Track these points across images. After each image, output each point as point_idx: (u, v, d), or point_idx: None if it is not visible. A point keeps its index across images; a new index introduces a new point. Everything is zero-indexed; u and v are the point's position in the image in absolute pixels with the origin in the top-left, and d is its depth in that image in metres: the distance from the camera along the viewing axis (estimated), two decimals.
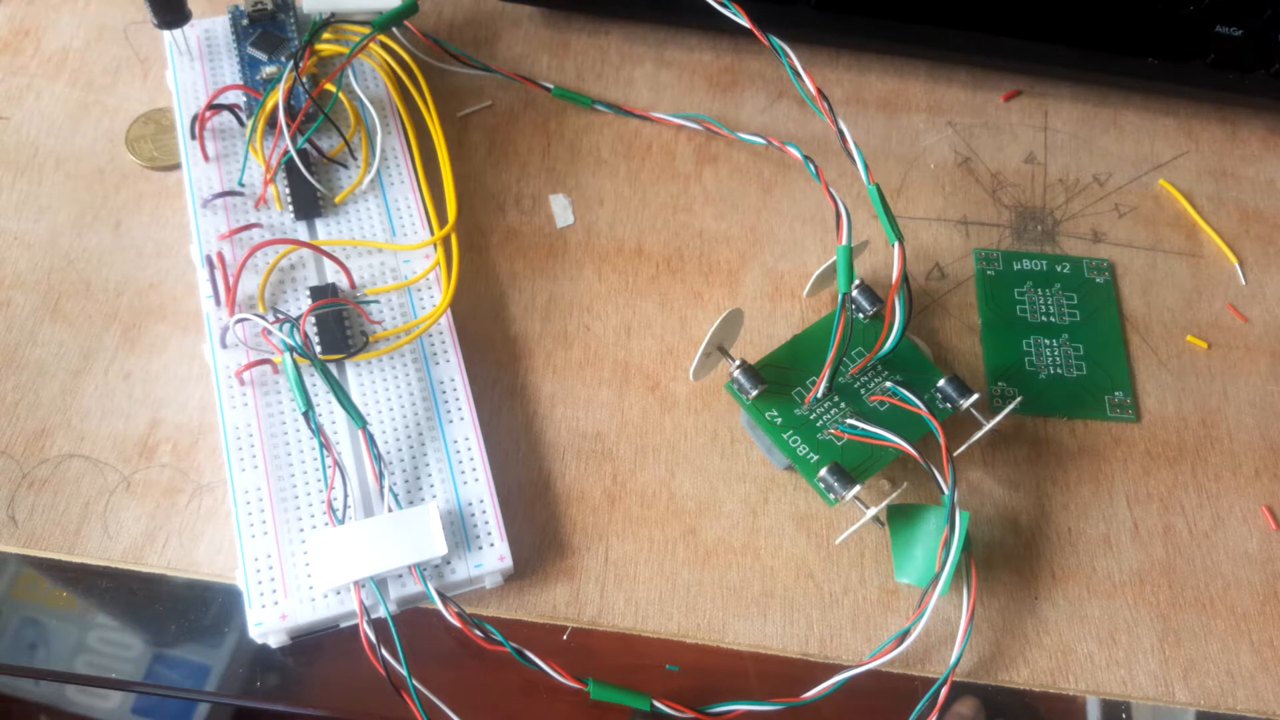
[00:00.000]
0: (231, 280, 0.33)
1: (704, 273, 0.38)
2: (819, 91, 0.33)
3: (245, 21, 0.39)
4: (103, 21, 0.41)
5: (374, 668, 0.29)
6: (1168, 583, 0.33)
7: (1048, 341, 0.37)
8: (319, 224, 0.36)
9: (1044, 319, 0.37)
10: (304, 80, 0.35)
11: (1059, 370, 0.36)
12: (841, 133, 0.33)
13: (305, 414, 0.30)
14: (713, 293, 0.37)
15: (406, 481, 0.32)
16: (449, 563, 0.31)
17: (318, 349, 0.33)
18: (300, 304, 0.34)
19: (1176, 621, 0.33)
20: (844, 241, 0.30)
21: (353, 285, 0.34)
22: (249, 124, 0.36)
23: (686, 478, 0.34)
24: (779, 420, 0.33)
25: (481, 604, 0.32)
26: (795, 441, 0.32)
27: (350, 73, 0.38)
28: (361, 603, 0.29)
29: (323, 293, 0.34)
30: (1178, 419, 0.36)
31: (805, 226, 0.39)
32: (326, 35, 0.37)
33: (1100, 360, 0.37)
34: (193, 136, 0.36)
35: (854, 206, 0.39)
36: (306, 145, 0.36)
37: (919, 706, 0.31)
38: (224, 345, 0.33)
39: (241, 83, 0.38)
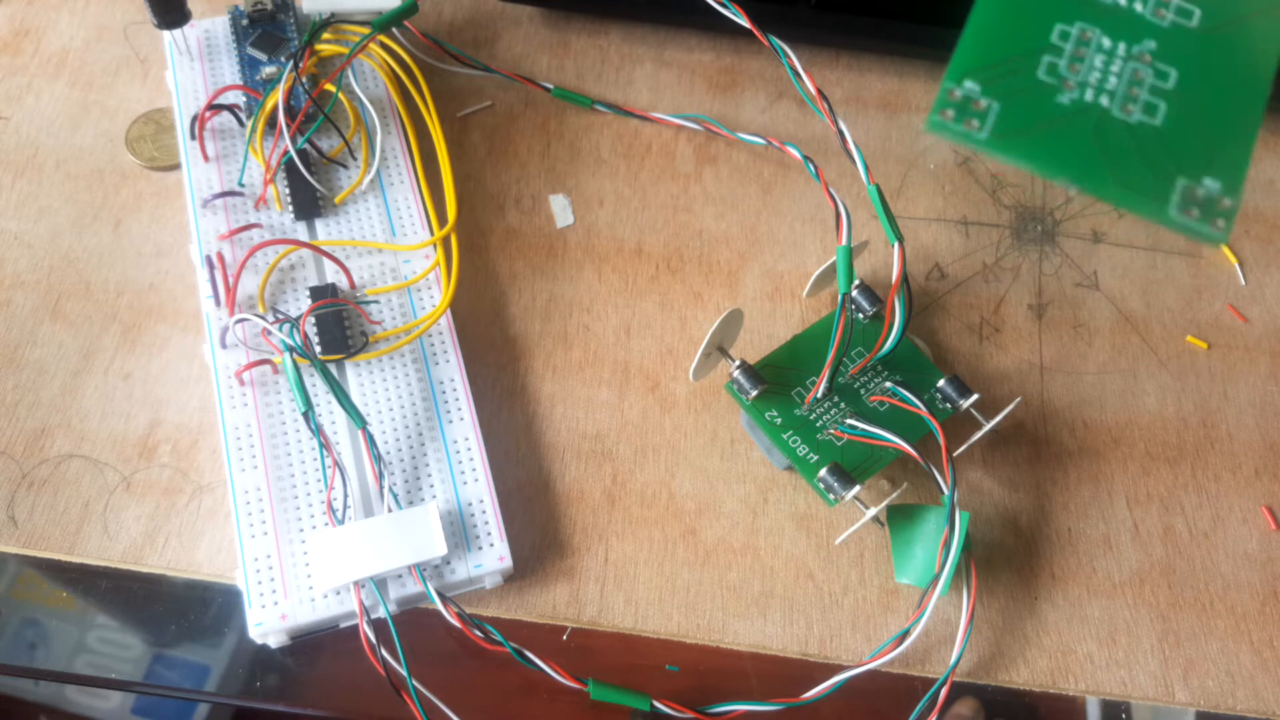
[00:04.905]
0: (231, 280, 0.33)
1: (704, 273, 0.38)
2: (819, 91, 0.33)
3: (245, 22, 0.39)
4: (103, 21, 0.41)
5: (374, 668, 0.29)
6: (1168, 583, 0.33)
7: (1105, 43, 0.20)
8: (319, 224, 0.36)
9: (1119, 1, 0.20)
10: (304, 80, 0.35)
11: (1106, 98, 0.20)
12: (841, 133, 0.33)
13: (305, 414, 0.30)
14: (713, 293, 0.37)
15: (406, 481, 0.32)
16: (449, 563, 0.31)
17: (318, 349, 0.33)
18: (300, 304, 0.34)
19: (1176, 622, 0.33)
20: (844, 241, 0.30)
21: (353, 285, 0.34)
22: (249, 124, 0.36)
23: (686, 478, 0.34)
24: (779, 420, 0.33)
25: (481, 604, 0.32)
26: (795, 441, 0.32)
27: (350, 73, 0.38)
28: (361, 603, 0.29)
29: (323, 293, 0.34)
30: (1178, 419, 0.36)
31: (805, 226, 0.39)
32: (326, 35, 0.37)
33: (1203, 107, 0.20)
34: (193, 136, 0.36)
35: (854, 206, 0.39)
36: (306, 145, 0.36)
37: (919, 707, 0.31)
38: (224, 345, 0.33)
39: (241, 83, 0.38)
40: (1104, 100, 0.20)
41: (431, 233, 0.36)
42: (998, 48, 0.20)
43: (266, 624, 0.29)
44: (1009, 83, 0.20)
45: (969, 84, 0.20)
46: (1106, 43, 0.20)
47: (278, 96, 0.35)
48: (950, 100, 0.20)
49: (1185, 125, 0.20)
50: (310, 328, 0.33)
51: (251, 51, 0.38)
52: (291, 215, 0.36)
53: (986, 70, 0.20)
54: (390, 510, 0.30)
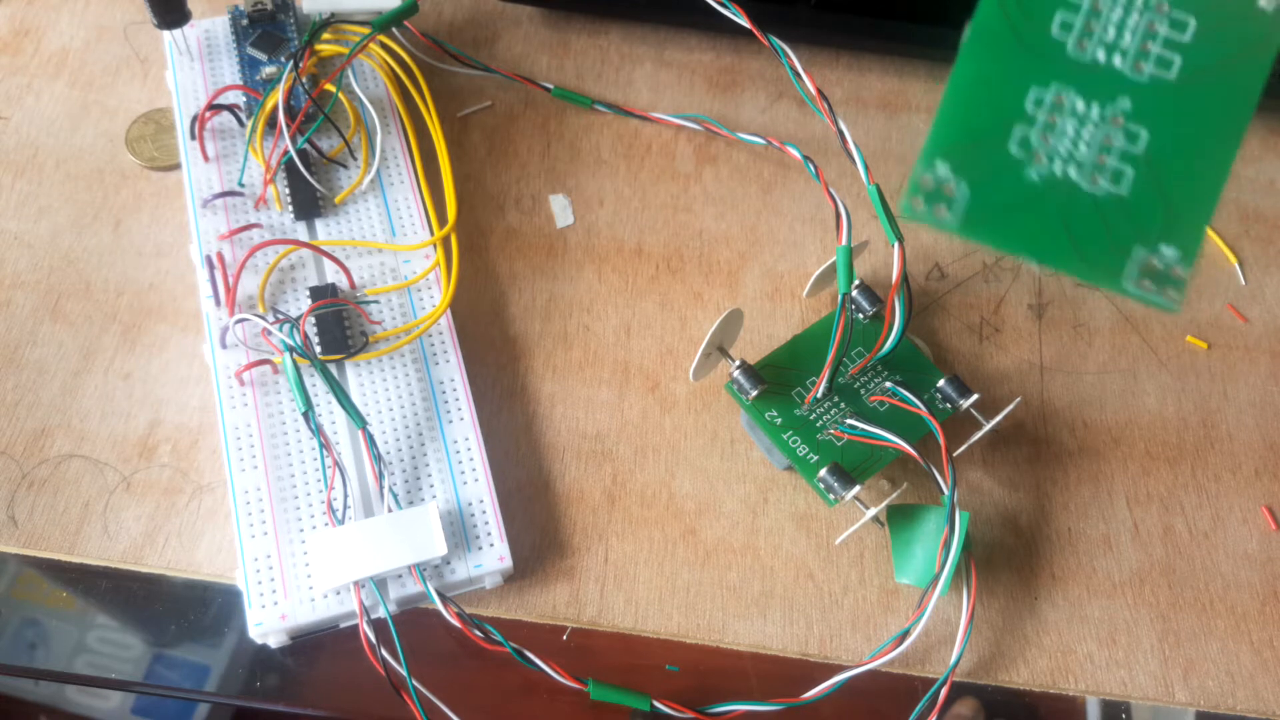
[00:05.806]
0: (231, 280, 0.33)
1: (704, 273, 0.38)
2: (819, 91, 0.33)
3: (245, 22, 0.39)
4: (102, 21, 0.41)
5: (374, 668, 0.29)
6: (1167, 583, 0.33)
7: (1079, 106, 0.20)
8: (319, 224, 0.36)
9: (1098, 58, 0.20)
10: (304, 80, 0.35)
11: (1074, 169, 0.20)
12: (841, 133, 0.33)
13: (305, 414, 0.30)
14: (713, 293, 0.37)
15: (406, 481, 0.32)
16: (449, 563, 0.31)
17: (318, 349, 0.33)
18: (300, 304, 0.34)
19: (1176, 621, 0.33)
20: (844, 242, 0.30)
21: (353, 285, 0.34)
22: (249, 124, 0.36)
23: (686, 478, 0.34)
24: (779, 420, 0.33)
25: (481, 604, 0.32)
26: (795, 441, 0.32)
27: (350, 73, 0.38)
28: (361, 603, 0.29)
29: (323, 293, 0.34)
30: (1178, 419, 0.36)
31: (805, 226, 0.39)
32: (326, 35, 0.37)
33: (1169, 172, 0.19)
34: (193, 136, 0.36)
35: (854, 206, 0.39)
36: (306, 145, 0.36)
37: (919, 707, 0.31)
38: (224, 345, 0.33)
39: (241, 83, 0.38)
40: (1072, 172, 0.20)
41: (431, 233, 0.36)
42: (972, 121, 0.20)
43: (266, 624, 0.29)
44: (981, 162, 0.20)
45: (941, 167, 0.20)
46: (1080, 106, 0.20)
47: (278, 96, 0.35)
48: (922, 187, 0.20)
49: (1150, 190, 0.20)
50: (310, 328, 0.33)
51: (251, 51, 0.38)
52: (291, 215, 0.36)
53: (960, 149, 0.20)
54: (390, 510, 0.30)
